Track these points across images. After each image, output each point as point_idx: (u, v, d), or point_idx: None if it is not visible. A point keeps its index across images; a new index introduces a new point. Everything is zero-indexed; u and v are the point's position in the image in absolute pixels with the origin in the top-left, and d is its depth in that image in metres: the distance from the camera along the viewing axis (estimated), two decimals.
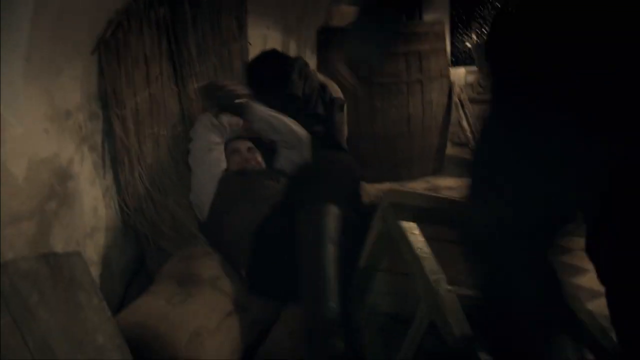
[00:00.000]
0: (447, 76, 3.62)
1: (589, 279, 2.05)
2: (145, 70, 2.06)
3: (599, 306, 1.89)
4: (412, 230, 1.09)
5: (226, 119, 2.26)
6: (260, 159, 2.26)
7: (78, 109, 1.85)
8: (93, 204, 1.95)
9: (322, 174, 1.66)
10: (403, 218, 1.11)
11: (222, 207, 2.02)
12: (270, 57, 2.61)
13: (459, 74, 4.91)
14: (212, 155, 2.18)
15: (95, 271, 1.92)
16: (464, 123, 3.66)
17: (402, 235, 1.09)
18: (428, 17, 4.15)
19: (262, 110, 2.24)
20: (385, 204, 1.16)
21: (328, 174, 1.65)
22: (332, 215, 1.51)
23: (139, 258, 2.16)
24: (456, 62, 5.22)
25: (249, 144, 2.27)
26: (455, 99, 3.66)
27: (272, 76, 2.48)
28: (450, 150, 4.29)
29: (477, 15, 5.14)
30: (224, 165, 2.18)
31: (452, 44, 5.22)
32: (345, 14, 3.44)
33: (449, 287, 0.96)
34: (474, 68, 4.87)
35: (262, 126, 2.23)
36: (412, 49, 3.33)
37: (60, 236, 1.74)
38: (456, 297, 0.94)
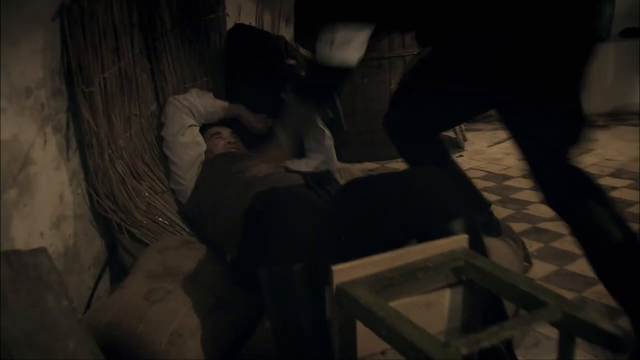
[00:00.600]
0: None
1: (580, 265, 1.99)
2: (114, 42, 1.87)
3: (595, 293, 1.87)
4: (378, 305, 0.93)
5: (199, 100, 2.09)
6: (241, 145, 2.12)
7: (39, 86, 1.67)
8: (58, 190, 1.78)
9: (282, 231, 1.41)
10: (361, 295, 0.95)
11: (208, 191, 1.87)
12: (248, 35, 2.39)
13: None
14: (188, 138, 2.02)
15: (62, 264, 1.76)
16: None
17: (369, 315, 0.92)
18: None
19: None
20: (335, 290, 0.99)
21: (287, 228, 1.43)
22: (294, 276, 1.32)
23: (111, 248, 2.00)
24: None
25: (230, 129, 2.13)
26: None
27: (258, 62, 2.27)
28: None
29: None
30: (203, 147, 2.03)
31: None
32: None
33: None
34: None
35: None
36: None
37: (21, 228, 1.58)
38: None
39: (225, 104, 2.16)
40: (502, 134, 3.98)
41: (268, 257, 1.30)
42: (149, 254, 1.84)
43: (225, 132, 2.10)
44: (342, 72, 1.43)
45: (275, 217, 1.37)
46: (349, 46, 1.38)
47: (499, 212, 2.55)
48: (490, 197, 2.75)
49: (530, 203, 2.65)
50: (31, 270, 1.26)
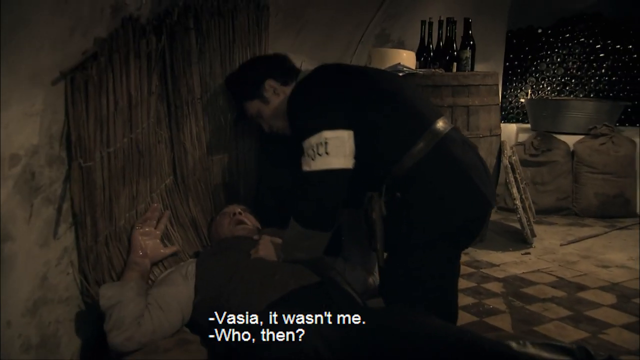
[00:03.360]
0: (498, 135, 3.16)
1: None
2: (127, 112, 1.68)
3: None
4: None
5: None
6: (254, 220, 1.85)
7: (32, 153, 1.48)
8: (41, 270, 1.56)
9: None
10: None
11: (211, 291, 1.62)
12: None
13: (509, 131, 4.43)
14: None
15: (33, 356, 1.52)
16: (514, 190, 3.16)
17: None
18: (480, 67, 3.73)
19: None
20: None
21: None
22: None
23: (101, 339, 1.74)
24: (507, 118, 4.75)
25: (242, 207, 1.88)
26: (505, 161, 3.18)
27: None
28: (494, 215, 3.80)
29: (533, 69, 4.69)
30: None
31: (503, 97, 4.77)
32: (385, 56, 3.05)
33: None
34: (527, 125, 4.39)
35: None
36: (459, 102, 2.89)
37: None
38: None
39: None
40: (579, 231, 3.54)
41: None
42: (135, 356, 1.57)
43: (230, 207, 1.86)
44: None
45: None
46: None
47: (569, 333, 2.11)
48: (559, 311, 2.30)
49: (609, 326, 2.17)
50: None
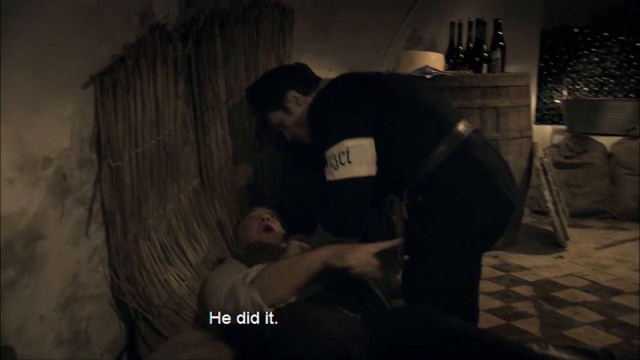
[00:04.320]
0: (529, 136, 3.11)
1: None
2: (155, 114, 1.74)
3: None
4: None
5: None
6: (280, 226, 1.88)
7: (63, 155, 1.55)
8: (73, 268, 1.63)
9: None
10: None
11: None
12: None
13: (544, 133, 4.34)
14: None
15: (65, 351, 1.59)
16: (546, 193, 3.10)
17: None
18: (512, 68, 3.67)
19: None
20: None
21: None
22: None
23: (132, 334, 1.81)
24: (541, 119, 4.66)
25: (269, 211, 1.91)
26: (537, 163, 3.12)
27: None
28: (527, 218, 3.73)
29: (569, 69, 4.59)
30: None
31: (538, 98, 4.68)
32: (413, 58, 3.05)
33: None
34: (562, 127, 4.30)
35: None
36: (488, 104, 2.86)
37: (15, 312, 1.41)
38: None
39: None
40: (615, 235, 3.44)
41: None
42: (163, 352, 1.62)
43: (258, 211, 1.89)
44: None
45: None
46: None
47: (600, 338, 2.06)
48: (591, 316, 2.25)
49: None
50: None
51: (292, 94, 1.82)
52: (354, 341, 1.34)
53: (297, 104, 1.83)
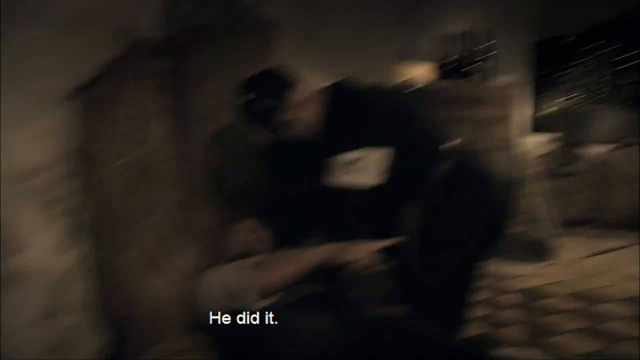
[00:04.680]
0: (516, 146, 3.13)
1: None
2: (140, 127, 1.78)
3: None
4: None
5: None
6: (268, 238, 1.90)
7: (49, 166, 1.60)
8: (59, 278, 1.66)
9: None
10: None
11: None
12: None
13: (538, 142, 4.36)
14: None
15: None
16: (535, 201, 3.12)
17: None
18: (506, 78, 3.71)
19: None
20: None
21: None
22: None
23: (117, 344, 1.83)
24: (537, 128, 4.69)
25: (256, 224, 1.93)
26: (525, 172, 3.14)
27: None
28: (516, 226, 3.73)
29: (564, 78, 4.63)
30: None
31: (533, 107, 4.71)
32: (400, 70, 3.09)
33: None
34: (556, 135, 4.32)
35: None
36: (469, 115, 2.90)
37: None
38: None
39: None
40: (606, 243, 3.45)
41: None
42: None
43: (245, 223, 1.91)
44: None
45: None
46: None
47: (583, 345, 2.07)
48: (575, 324, 2.27)
49: (627, 339, 2.13)
50: None
51: (292, 92, 1.75)
52: (328, 342, 1.38)
53: (298, 104, 1.76)
